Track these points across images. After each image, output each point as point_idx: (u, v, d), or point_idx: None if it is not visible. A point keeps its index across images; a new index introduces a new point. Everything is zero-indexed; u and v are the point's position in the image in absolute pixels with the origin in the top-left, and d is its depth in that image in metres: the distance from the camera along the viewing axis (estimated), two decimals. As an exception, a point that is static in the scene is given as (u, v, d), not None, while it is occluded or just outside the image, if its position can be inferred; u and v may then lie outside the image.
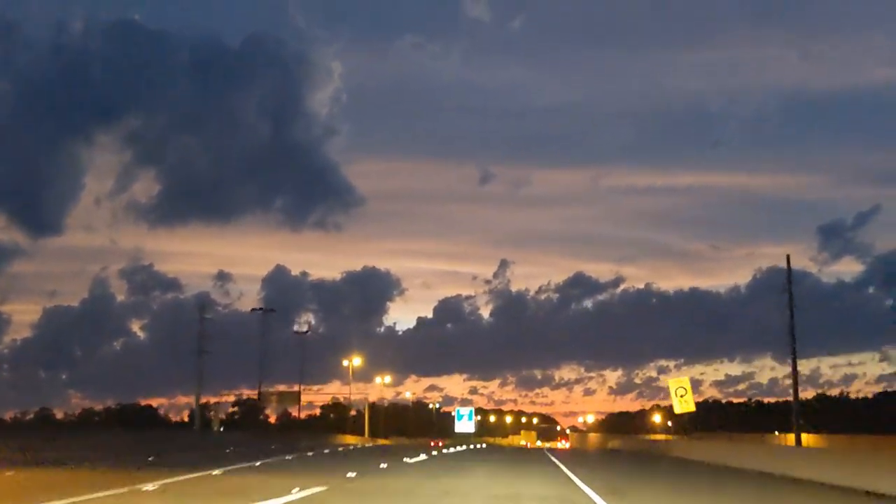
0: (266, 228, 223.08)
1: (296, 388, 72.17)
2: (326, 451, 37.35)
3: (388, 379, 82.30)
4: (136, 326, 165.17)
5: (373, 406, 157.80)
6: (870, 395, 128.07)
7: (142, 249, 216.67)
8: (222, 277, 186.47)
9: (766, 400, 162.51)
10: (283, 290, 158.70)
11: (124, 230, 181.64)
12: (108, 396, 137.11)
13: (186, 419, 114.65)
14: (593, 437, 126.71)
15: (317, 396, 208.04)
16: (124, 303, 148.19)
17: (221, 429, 66.66)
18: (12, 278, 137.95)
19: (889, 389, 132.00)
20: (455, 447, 43.82)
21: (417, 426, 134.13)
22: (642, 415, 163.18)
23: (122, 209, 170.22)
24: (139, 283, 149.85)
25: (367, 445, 49.29)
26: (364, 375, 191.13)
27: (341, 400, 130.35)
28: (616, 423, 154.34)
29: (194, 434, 54.46)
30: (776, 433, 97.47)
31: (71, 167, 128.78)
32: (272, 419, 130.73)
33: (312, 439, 51.53)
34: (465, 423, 71.48)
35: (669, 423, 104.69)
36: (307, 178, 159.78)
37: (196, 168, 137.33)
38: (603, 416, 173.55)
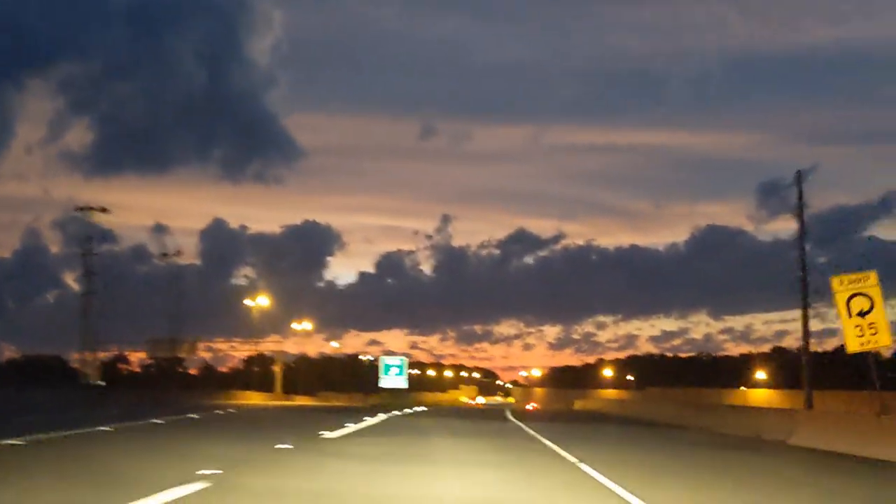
0: (204, 180, 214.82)
1: (188, 339, 61.68)
2: (193, 415, 26.36)
3: (307, 325, 71.54)
4: (69, 278, 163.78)
5: (302, 360, 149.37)
6: (796, 350, 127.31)
7: (76, 200, 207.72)
8: (159, 230, 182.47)
9: (698, 354, 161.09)
10: (222, 243, 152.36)
11: (57, 180, 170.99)
12: (39, 349, 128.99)
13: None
14: (540, 393, 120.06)
15: (253, 350, 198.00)
16: (58, 254, 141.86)
17: (100, 382, 56.03)
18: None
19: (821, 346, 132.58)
20: (381, 413, 31.56)
21: (349, 381, 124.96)
22: (588, 369, 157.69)
23: (55, 158, 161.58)
24: (73, 235, 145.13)
25: (249, 408, 37.36)
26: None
27: (267, 353, 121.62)
28: (561, 379, 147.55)
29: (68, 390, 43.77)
30: (743, 388, 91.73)
31: (1, 114, 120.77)
32: (193, 371, 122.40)
33: (196, 399, 40.99)
34: (394, 378, 53.92)
35: (631, 377, 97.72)
36: (246, 129, 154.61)
37: (131, 116, 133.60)
38: (546, 371, 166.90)
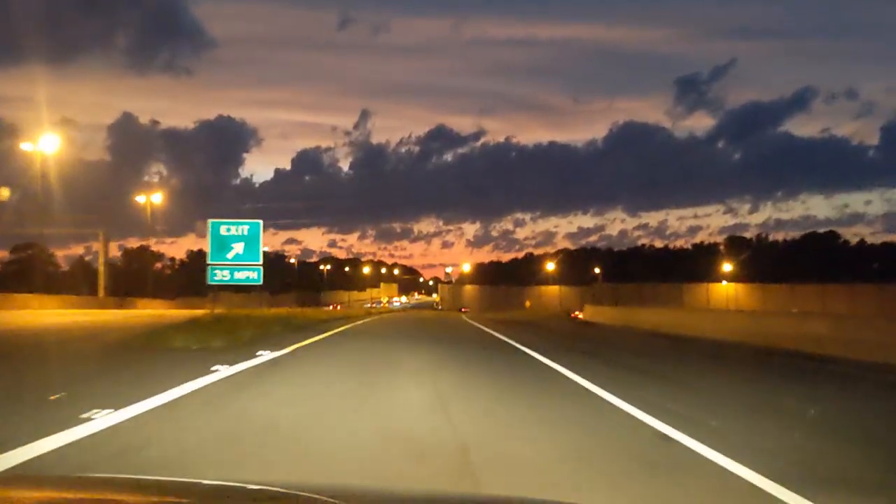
0: (110, 71, 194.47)
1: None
2: None
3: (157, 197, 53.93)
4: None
5: (195, 256, 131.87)
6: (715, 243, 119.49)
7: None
8: (66, 124, 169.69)
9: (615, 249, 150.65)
10: (131, 138, 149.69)
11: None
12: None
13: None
14: (471, 291, 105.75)
15: (167, 248, 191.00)
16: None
17: None
18: None
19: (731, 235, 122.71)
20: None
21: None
22: (517, 265, 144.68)
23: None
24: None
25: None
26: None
27: (155, 251, 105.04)
28: (491, 275, 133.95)
29: None
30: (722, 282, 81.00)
31: None
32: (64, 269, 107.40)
33: None
34: (235, 268, 21.65)
35: (597, 269, 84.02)
36: (151, 15, 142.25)
37: (28, 3, 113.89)
38: (474, 266, 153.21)
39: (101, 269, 46.63)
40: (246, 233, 20.82)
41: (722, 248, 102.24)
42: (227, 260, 20.63)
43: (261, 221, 20.72)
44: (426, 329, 25.53)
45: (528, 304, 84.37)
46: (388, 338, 19.60)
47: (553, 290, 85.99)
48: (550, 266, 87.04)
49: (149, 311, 35.79)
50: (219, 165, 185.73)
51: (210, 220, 19.94)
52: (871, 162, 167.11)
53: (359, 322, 29.83)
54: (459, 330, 25.20)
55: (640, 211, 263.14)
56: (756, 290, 79.58)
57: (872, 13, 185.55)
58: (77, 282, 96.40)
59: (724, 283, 79.58)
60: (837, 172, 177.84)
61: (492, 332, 23.49)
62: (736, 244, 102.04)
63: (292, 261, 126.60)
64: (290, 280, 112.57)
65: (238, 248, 20.55)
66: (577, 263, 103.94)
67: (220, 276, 20.55)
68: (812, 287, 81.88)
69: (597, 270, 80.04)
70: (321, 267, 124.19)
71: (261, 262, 20.66)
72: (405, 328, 25.87)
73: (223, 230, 20.73)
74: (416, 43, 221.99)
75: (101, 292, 44.46)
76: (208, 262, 19.88)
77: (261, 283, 20.91)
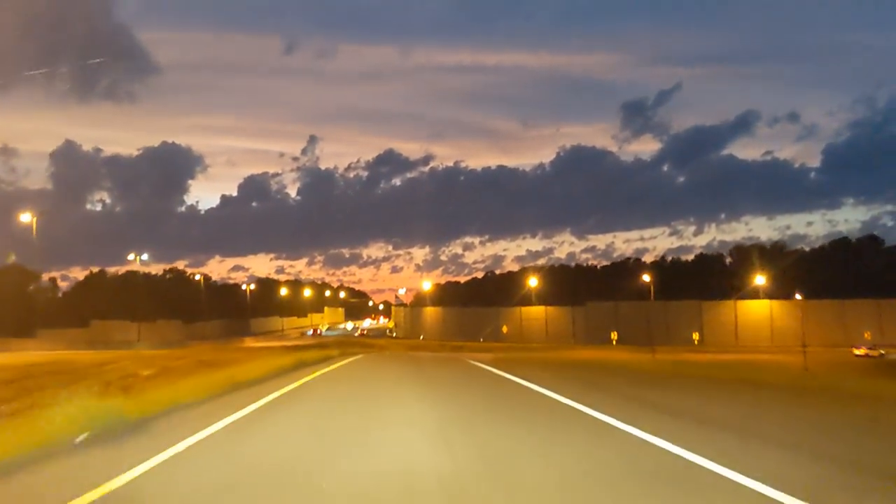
0: (50, 98, 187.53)
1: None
2: None
3: None
4: None
5: (98, 277, 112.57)
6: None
7: None
8: (6, 153, 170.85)
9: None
10: (74, 166, 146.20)
11: None
12: None
13: None
14: (433, 315, 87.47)
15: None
16: None
17: None
18: None
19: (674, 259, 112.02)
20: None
21: (169, 304, 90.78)
22: (486, 283, 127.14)
23: None
24: None
25: None
26: (164, 256, 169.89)
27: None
28: (451, 297, 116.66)
29: None
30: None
31: None
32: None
33: None
34: None
35: (647, 277, 66.04)
36: (93, 40, 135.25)
37: None
38: (434, 287, 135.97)
39: None
40: None
41: (729, 261, 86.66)
42: None
43: None
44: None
45: (504, 329, 67.69)
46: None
47: (538, 311, 68.86)
48: (533, 282, 69.84)
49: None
50: (164, 192, 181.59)
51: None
52: (813, 184, 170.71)
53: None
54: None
55: (587, 234, 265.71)
56: (796, 308, 63.81)
57: (814, 38, 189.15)
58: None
59: (748, 299, 63.63)
60: (780, 194, 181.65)
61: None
62: (746, 255, 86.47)
63: (197, 277, 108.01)
64: (202, 303, 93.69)
65: None
66: (556, 281, 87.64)
67: None
68: (866, 302, 67.17)
69: (646, 278, 62.72)
70: (244, 287, 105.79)
71: None
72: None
73: None
74: (364, 69, 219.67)
75: None
76: None
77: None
